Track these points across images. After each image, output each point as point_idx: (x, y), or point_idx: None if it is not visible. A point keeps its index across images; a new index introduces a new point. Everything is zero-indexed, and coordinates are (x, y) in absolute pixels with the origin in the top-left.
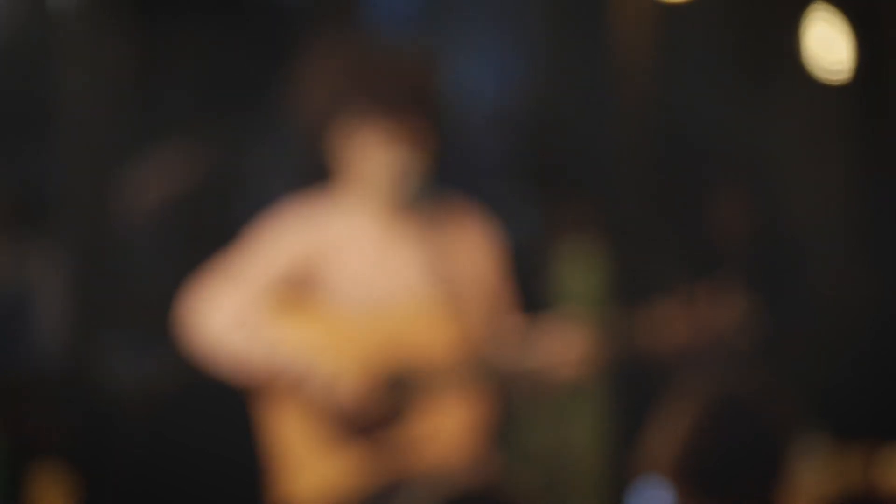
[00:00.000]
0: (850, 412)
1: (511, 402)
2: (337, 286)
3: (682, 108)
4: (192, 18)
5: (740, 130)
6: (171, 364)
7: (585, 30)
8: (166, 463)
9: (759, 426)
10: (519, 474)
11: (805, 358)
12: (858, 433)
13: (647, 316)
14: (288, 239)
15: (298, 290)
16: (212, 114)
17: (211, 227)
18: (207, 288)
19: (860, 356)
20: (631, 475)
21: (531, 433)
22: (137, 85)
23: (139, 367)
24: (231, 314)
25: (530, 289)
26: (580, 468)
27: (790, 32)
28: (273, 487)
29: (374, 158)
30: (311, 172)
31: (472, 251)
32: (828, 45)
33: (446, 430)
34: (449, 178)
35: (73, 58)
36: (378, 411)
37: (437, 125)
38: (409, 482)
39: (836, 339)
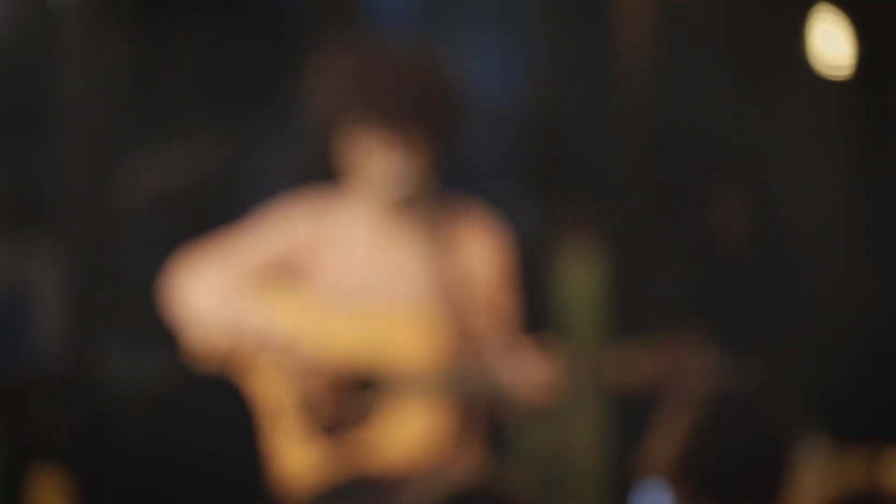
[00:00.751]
0: (852, 413)
1: (497, 414)
2: (326, 281)
3: (682, 108)
4: (192, 18)
5: (741, 130)
6: (172, 364)
7: (586, 29)
8: (166, 463)
9: (760, 426)
10: (518, 476)
11: (805, 358)
12: (860, 434)
13: (616, 352)
14: (284, 228)
15: (287, 279)
16: (212, 113)
17: (212, 226)
18: (194, 262)
19: (861, 356)
20: (631, 477)
21: (531, 435)
22: (137, 85)
23: (139, 367)
24: (212, 284)
25: (529, 289)
26: (580, 470)
27: (791, 31)
28: (273, 484)
29: (376, 160)
30: (313, 171)
31: (475, 254)
32: (829, 44)
33: (410, 435)
34: (449, 178)
35: (73, 58)
36: (345, 407)
37: (443, 130)
38: (382, 477)
39: (836, 339)
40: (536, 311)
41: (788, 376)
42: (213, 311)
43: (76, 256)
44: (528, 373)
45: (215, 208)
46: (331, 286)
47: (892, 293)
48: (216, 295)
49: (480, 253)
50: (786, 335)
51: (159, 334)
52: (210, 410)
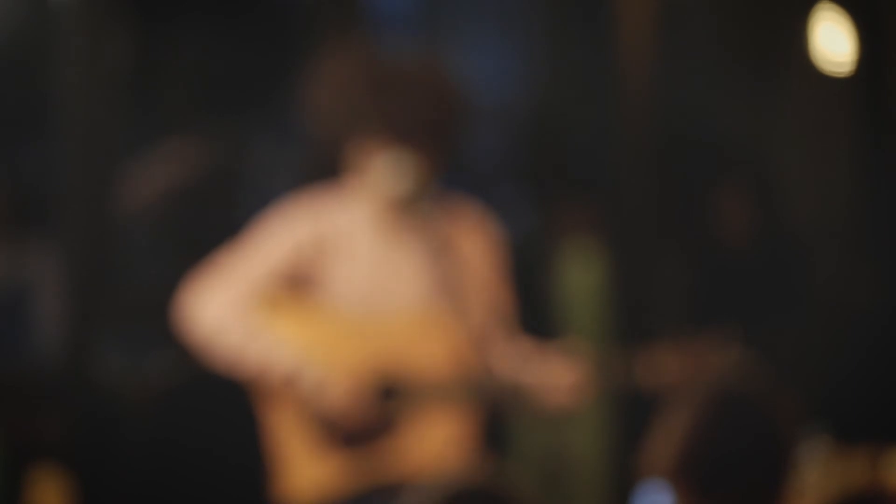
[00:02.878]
0: (853, 412)
1: (503, 414)
2: (335, 287)
3: (683, 107)
4: (193, 17)
5: (742, 129)
6: (172, 363)
7: (586, 29)
8: (165, 462)
9: (762, 426)
10: (519, 476)
11: (807, 357)
12: (861, 434)
13: (643, 354)
14: (287, 237)
15: (296, 289)
16: (212, 113)
17: (211, 225)
18: (204, 283)
19: (862, 355)
20: (632, 477)
21: (532, 435)
22: (137, 84)
23: (139, 366)
24: (224, 309)
25: (530, 289)
26: (580, 470)
27: (792, 28)
28: (274, 486)
29: (378, 161)
30: (314, 172)
31: (474, 255)
32: (831, 42)
33: (434, 442)
34: (449, 178)
35: (72, 57)
36: (367, 419)
37: (449, 137)
38: (405, 485)
39: (838, 339)
40: (538, 312)
41: (790, 375)
42: (231, 341)
43: (76, 256)
44: (551, 376)
45: (216, 208)
46: (337, 292)
47: (893, 292)
48: (231, 322)
49: (480, 253)
50: (787, 334)
51: (159, 334)
52: (210, 409)
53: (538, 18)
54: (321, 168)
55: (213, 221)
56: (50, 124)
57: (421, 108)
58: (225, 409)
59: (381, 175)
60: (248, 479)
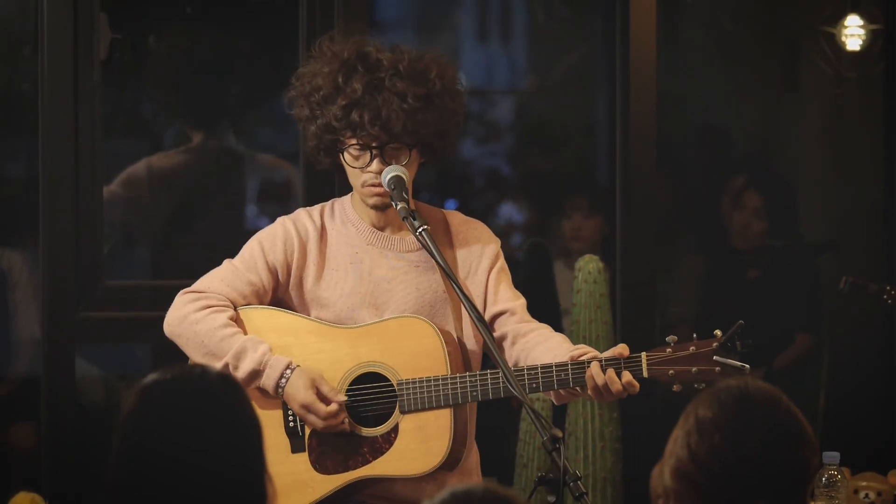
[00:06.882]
0: (864, 425)
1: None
2: (325, 293)
3: (691, 109)
4: (186, 13)
5: (752, 132)
6: (156, 369)
7: (591, 28)
8: (157, 464)
9: (772, 440)
10: (519, 478)
11: (816, 372)
12: (872, 447)
13: (641, 358)
14: (278, 243)
15: (284, 294)
16: (210, 112)
17: (198, 224)
18: (192, 284)
19: (874, 370)
20: (635, 482)
21: (532, 435)
22: (129, 81)
23: (122, 371)
24: (196, 303)
25: (532, 295)
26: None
27: (808, 31)
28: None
29: (368, 168)
30: (308, 180)
31: (471, 260)
32: (848, 43)
33: (422, 445)
34: (448, 181)
35: (62, 53)
36: (341, 417)
37: (443, 140)
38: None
39: (848, 349)
40: (540, 317)
41: (801, 388)
42: (211, 333)
43: (59, 257)
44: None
45: (205, 209)
46: (331, 300)
47: None
48: (199, 311)
49: (477, 259)
50: (800, 344)
51: (147, 337)
52: (203, 413)
53: (541, 18)
54: (312, 176)
55: (202, 221)
56: (31, 120)
57: (406, 102)
58: (221, 413)
59: (371, 184)
60: (249, 480)
